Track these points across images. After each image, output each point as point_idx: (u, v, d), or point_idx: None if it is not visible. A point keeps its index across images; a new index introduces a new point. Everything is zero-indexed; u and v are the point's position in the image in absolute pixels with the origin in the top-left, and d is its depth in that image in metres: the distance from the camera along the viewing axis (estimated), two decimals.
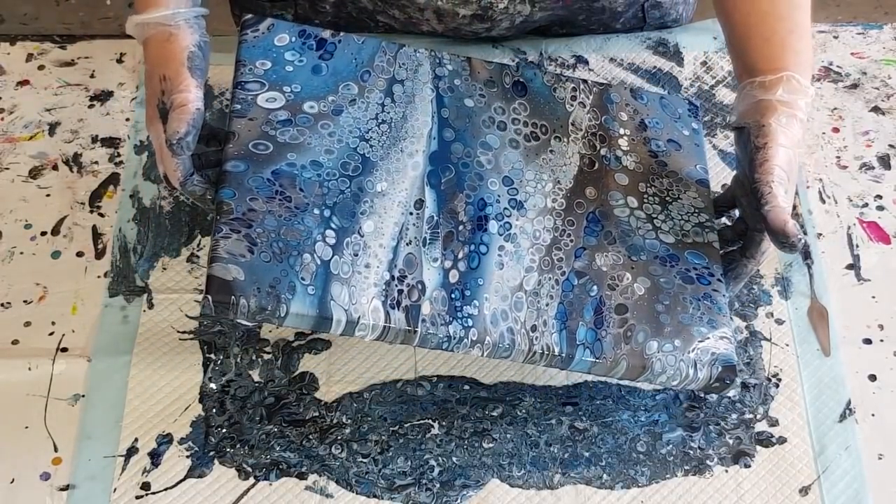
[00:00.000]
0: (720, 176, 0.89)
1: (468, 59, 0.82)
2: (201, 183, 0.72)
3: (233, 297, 0.66)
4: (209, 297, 0.66)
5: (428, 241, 0.72)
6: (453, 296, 0.70)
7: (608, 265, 0.74)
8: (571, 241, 0.75)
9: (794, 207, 0.87)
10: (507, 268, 0.73)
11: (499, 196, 0.76)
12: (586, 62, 0.96)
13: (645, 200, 0.77)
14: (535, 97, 0.81)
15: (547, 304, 0.72)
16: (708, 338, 0.72)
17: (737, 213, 0.78)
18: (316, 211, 0.71)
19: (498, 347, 0.70)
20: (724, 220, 0.81)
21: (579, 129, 0.80)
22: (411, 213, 0.73)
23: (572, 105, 0.81)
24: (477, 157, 0.77)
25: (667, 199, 0.78)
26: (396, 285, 0.70)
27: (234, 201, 0.70)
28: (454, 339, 0.69)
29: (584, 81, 0.83)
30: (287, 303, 0.67)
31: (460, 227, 0.73)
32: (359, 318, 0.68)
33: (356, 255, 0.70)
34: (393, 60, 0.79)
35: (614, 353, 0.71)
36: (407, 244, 0.72)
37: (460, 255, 0.72)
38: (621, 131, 0.81)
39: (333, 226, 0.71)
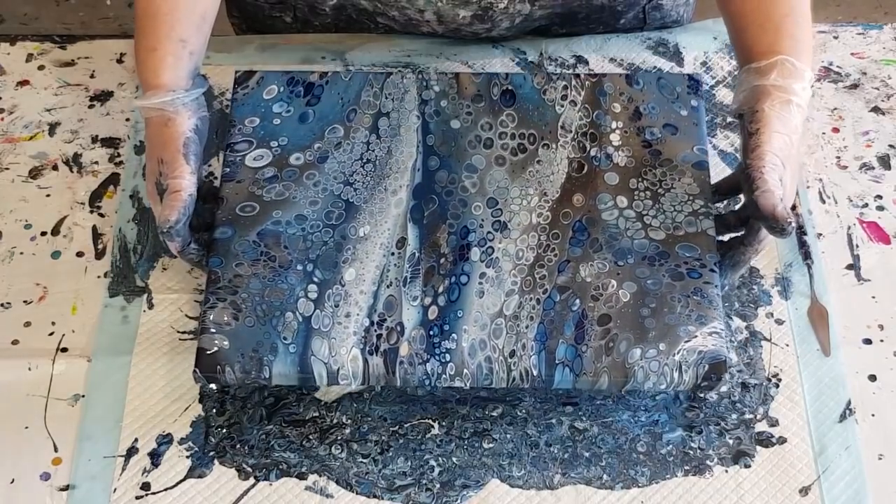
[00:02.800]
0: (720, 176, 0.88)
1: (456, 76, 0.83)
2: (197, 251, 0.76)
3: (218, 366, 0.71)
4: (197, 370, 0.71)
5: (408, 280, 0.74)
6: (432, 332, 0.73)
7: (592, 275, 0.74)
8: (556, 255, 0.75)
9: (795, 207, 0.87)
10: (488, 295, 0.74)
11: (482, 220, 0.77)
12: (586, 62, 0.96)
13: (635, 197, 0.77)
14: (523, 104, 0.82)
15: (527, 327, 0.73)
16: (695, 336, 0.72)
17: (742, 198, 0.77)
18: (299, 267, 0.75)
19: (477, 378, 0.72)
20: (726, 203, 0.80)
21: (569, 130, 0.80)
22: (393, 254, 0.75)
23: (562, 106, 0.82)
24: (461, 181, 0.78)
25: (659, 191, 0.77)
26: (375, 330, 0.73)
27: (221, 269, 0.74)
28: (433, 375, 0.72)
29: (577, 76, 0.83)
30: (269, 365, 0.71)
31: (441, 261, 0.75)
32: (338, 369, 0.71)
33: (337, 305, 0.73)
34: (380, 92, 0.82)
35: (595, 367, 0.71)
36: (388, 286, 0.74)
37: (440, 290, 0.74)
38: (613, 125, 0.81)
39: (316, 279, 0.74)
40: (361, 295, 0.74)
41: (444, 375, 0.72)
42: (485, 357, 0.72)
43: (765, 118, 0.71)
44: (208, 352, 0.72)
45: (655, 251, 0.75)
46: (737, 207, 0.79)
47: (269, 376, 0.72)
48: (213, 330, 0.72)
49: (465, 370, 0.72)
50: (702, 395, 0.78)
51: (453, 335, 0.72)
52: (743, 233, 0.75)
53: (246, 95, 0.82)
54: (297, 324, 0.72)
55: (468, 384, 0.72)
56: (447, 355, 0.72)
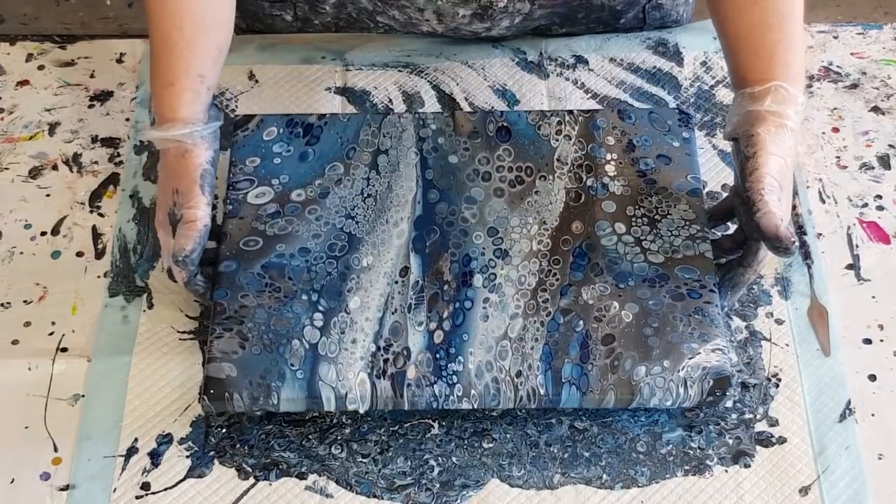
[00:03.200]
0: (720, 175, 0.89)
1: (452, 114, 0.85)
2: (203, 283, 0.77)
3: (226, 393, 0.72)
4: (205, 397, 0.72)
5: (413, 307, 0.75)
6: (438, 356, 0.73)
7: (594, 297, 0.75)
8: (557, 279, 0.76)
9: (795, 208, 0.87)
10: (492, 318, 0.75)
11: (483, 249, 0.78)
12: (586, 62, 0.96)
13: (633, 224, 0.79)
14: (519, 139, 0.83)
15: (532, 348, 0.74)
16: (699, 353, 0.73)
17: (735, 223, 0.78)
18: (304, 296, 0.75)
19: (484, 398, 0.72)
20: (728, 227, 0.82)
21: (565, 163, 0.82)
22: (396, 282, 0.76)
23: (557, 140, 0.83)
24: (462, 213, 0.80)
25: (655, 217, 0.79)
26: (382, 355, 0.73)
27: (227, 301, 0.75)
28: (440, 397, 0.72)
29: (570, 112, 0.84)
30: (277, 390, 0.72)
31: (445, 287, 0.76)
32: (346, 393, 0.72)
33: (343, 332, 0.74)
34: (378, 132, 0.83)
35: (601, 384, 0.72)
36: (392, 313, 0.75)
37: (445, 315, 0.75)
38: (608, 157, 0.82)
39: (321, 308, 0.75)
40: (367, 322, 0.74)
41: (451, 397, 0.72)
42: (492, 378, 0.73)
43: (760, 142, 0.73)
44: (216, 380, 0.72)
45: (655, 274, 0.76)
46: (730, 231, 0.80)
47: (278, 402, 0.72)
48: (220, 358, 0.73)
49: (473, 391, 0.72)
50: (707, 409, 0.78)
51: (459, 358, 0.73)
52: (740, 255, 0.76)
53: (246, 137, 0.83)
54: (304, 350, 0.73)
55: (476, 405, 0.73)
56: (454, 377, 0.73)
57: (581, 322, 0.74)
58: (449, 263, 0.77)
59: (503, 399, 0.73)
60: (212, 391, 0.72)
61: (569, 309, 0.75)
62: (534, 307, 0.75)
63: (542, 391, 0.72)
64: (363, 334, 0.74)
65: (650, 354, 0.73)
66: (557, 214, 0.79)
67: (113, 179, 0.90)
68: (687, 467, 0.76)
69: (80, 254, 0.86)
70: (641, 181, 0.81)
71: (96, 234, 0.87)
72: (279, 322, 0.74)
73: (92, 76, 0.97)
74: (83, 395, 0.79)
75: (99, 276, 0.85)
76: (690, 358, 0.73)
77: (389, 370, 0.73)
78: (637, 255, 0.77)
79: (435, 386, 0.72)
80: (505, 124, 0.84)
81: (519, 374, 0.73)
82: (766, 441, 0.77)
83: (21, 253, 0.86)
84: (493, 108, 0.93)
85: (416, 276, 0.77)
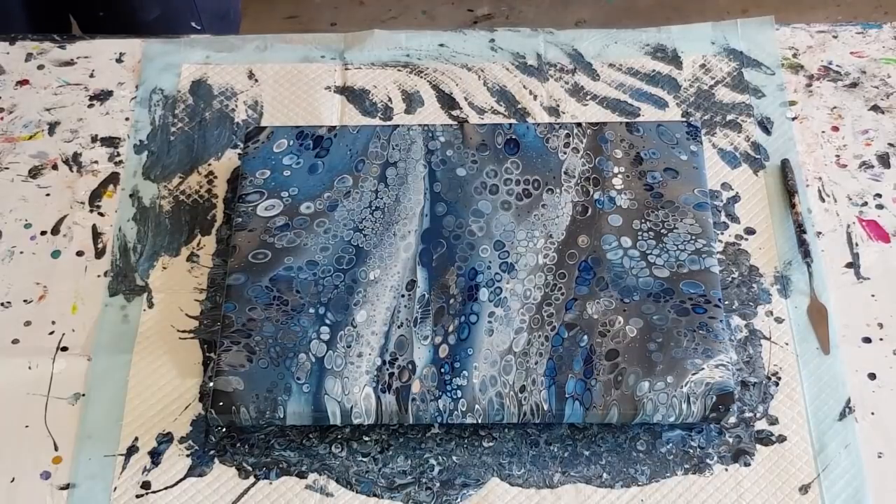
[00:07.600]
0: (720, 174, 0.89)
1: (461, 126, 0.85)
2: None
3: (233, 406, 0.73)
4: (212, 410, 0.73)
5: (419, 321, 0.76)
6: (443, 370, 0.74)
7: (599, 312, 0.76)
8: (563, 293, 0.77)
9: (794, 206, 0.87)
10: (497, 333, 0.75)
11: (490, 262, 0.78)
12: (585, 67, 0.96)
13: (639, 238, 0.79)
14: (527, 152, 0.84)
15: (536, 363, 0.74)
16: (703, 368, 0.73)
17: None
18: (311, 310, 0.76)
19: (489, 413, 0.73)
20: None
21: (572, 176, 0.82)
22: (403, 296, 0.77)
23: (565, 153, 0.83)
24: (469, 226, 0.80)
25: (661, 231, 0.79)
26: (388, 369, 0.74)
27: (235, 314, 0.76)
28: (445, 411, 0.73)
29: (579, 125, 0.85)
30: (283, 404, 0.72)
31: (451, 301, 0.77)
32: (351, 407, 0.73)
33: (349, 346, 0.74)
34: (387, 144, 0.84)
35: (605, 400, 0.73)
36: (398, 327, 0.75)
37: (450, 329, 0.75)
38: (615, 170, 0.82)
39: (328, 321, 0.75)
40: (373, 336, 0.75)
41: (455, 412, 0.73)
42: (496, 393, 0.73)
43: None
44: (224, 393, 0.73)
45: (660, 288, 0.77)
46: None
47: (284, 416, 0.73)
48: (227, 372, 0.73)
49: (477, 406, 0.73)
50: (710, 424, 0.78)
51: (464, 372, 0.74)
52: None
53: (256, 149, 0.84)
54: (311, 364, 0.74)
55: (480, 420, 0.73)
56: (458, 392, 0.73)
57: (585, 337, 0.75)
58: (455, 277, 0.78)
59: (507, 414, 0.73)
60: (220, 404, 0.73)
61: (573, 323, 0.75)
62: (538, 321, 0.75)
63: (546, 406, 0.73)
64: (369, 348, 0.74)
65: (654, 370, 0.73)
66: (564, 228, 0.80)
67: (113, 179, 0.90)
68: (687, 466, 0.76)
69: (80, 253, 0.86)
70: (648, 195, 0.81)
71: (96, 234, 0.87)
72: (286, 335, 0.75)
73: (91, 76, 0.97)
74: (83, 394, 0.79)
75: (99, 276, 0.85)
76: (694, 374, 0.73)
77: (394, 384, 0.73)
78: (643, 269, 0.77)
79: (439, 401, 0.73)
80: (513, 137, 0.84)
81: (523, 388, 0.73)
82: (765, 439, 0.77)
83: (21, 252, 0.86)
84: (493, 108, 0.94)
85: (422, 289, 0.77)
